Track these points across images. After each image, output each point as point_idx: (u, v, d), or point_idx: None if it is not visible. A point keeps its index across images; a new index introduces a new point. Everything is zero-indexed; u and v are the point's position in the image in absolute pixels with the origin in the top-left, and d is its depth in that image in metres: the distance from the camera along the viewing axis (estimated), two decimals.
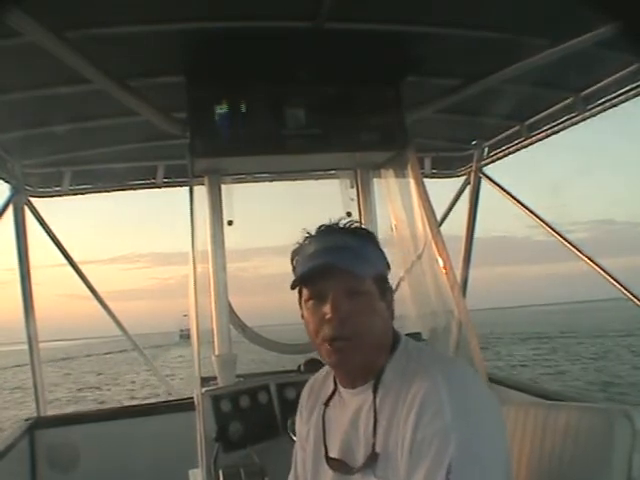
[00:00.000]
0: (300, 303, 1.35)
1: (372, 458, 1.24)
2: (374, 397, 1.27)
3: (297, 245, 1.40)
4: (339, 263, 1.26)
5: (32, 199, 3.83)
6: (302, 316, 1.35)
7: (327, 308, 1.26)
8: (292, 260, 1.40)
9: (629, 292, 3.53)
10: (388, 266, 1.39)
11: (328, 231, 1.37)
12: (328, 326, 1.26)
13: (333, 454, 1.36)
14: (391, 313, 1.35)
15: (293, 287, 1.34)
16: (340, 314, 1.25)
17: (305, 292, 1.32)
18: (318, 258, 1.29)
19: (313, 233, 1.40)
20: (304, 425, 1.51)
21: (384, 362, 1.30)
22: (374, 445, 1.24)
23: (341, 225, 1.38)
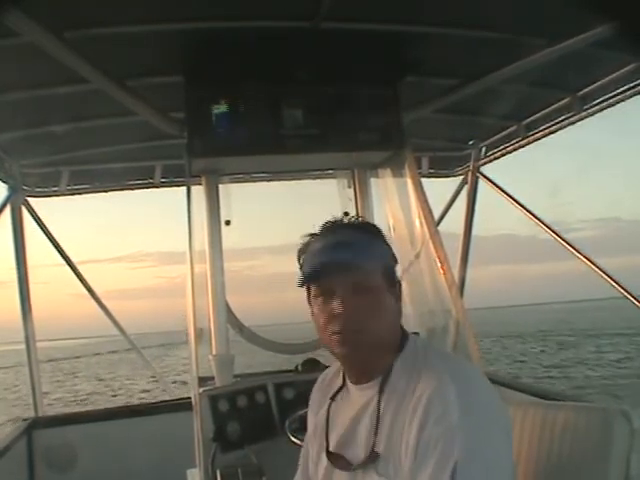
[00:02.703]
0: (309, 300, 1.36)
1: (372, 457, 1.24)
2: (379, 397, 1.27)
3: (302, 244, 1.40)
4: (344, 260, 1.26)
5: (30, 199, 3.83)
6: (312, 313, 1.35)
7: (335, 304, 1.26)
8: (299, 258, 1.39)
9: (625, 290, 3.54)
10: (395, 260, 1.39)
11: (333, 227, 1.37)
12: (337, 321, 1.26)
13: (334, 448, 1.37)
14: (399, 308, 1.35)
15: (301, 285, 1.34)
16: (348, 310, 1.25)
17: (313, 289, 1.32)
18: (324, 256, 1.29)
19: (316, 232, 1.39)
20: (313, 418, 1.52)
21: (392, 360, 1.29)
22: (374, 444, 1.24)
23: (345, 221, 1.38)
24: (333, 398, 1.44)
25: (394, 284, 1.34)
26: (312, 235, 1.38)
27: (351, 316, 1.25)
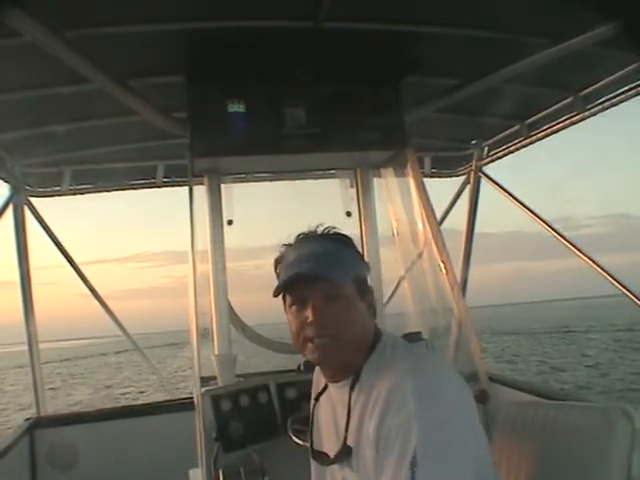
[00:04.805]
0: (285, 308, 1.42)
1: (344, 451, 1.32)
2: (350, 394, 1.35)
3: (279, 253, 1.48)
4: (316, 272, 1.33)
5: (32, 199, 3.84)
6: (287, 320, 1.43)
7: (308, 312, 1.33)
8: (275, 268, 1.47)
9: (624, 287, 3.54)
10: (368, 268, 1.48)
11: (306, 239, 1.45)
12: (310, 328, 1.33)
13: (320, 447, 1.48)
14: (372, 312, 1.42)
15: (275, 295, 1.41)
16: (320, 318, 1.32)
17: (288, 298, 1.39)
18: (297, 267, 1.35)
19: (291, 243, 1.47)
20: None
21: (363, 361, 1.36)
22: (345, 439, 1.32)
23: (319, 232, 1.46)
24: (317, 399, 1.56)
25: (365, 292, 1.41)
26: (287, 246, 1.47)
27: (323, 324, 1.32)
